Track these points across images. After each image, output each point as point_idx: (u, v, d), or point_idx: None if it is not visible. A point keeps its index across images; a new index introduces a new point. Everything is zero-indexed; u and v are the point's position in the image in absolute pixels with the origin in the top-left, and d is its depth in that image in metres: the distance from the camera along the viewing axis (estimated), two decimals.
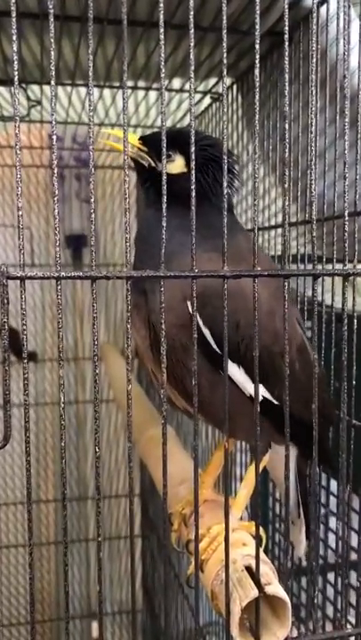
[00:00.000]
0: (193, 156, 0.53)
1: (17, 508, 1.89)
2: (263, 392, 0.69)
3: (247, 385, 0.69)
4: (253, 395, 0.68)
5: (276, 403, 0.70)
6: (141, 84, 1.27)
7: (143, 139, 0.77)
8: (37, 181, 1.85)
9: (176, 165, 0.75)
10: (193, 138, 0.53)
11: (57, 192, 0.51)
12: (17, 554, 1.90)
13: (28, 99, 1.34)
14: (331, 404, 0.82)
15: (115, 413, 1.92)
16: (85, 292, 1.89)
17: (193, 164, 0.53)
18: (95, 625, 1.97)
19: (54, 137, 0.49)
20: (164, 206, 0.52)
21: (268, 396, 0.70)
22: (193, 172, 0.52)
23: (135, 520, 1.97)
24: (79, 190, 1.90)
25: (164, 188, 0.52)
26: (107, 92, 1.33)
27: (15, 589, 1.92)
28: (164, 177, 0.53)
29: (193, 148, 0.53)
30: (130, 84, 1.26)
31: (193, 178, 0.52)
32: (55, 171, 0.50)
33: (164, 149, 0.52)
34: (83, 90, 1.31)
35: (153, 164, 0.76)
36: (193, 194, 0.52)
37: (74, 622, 1.96)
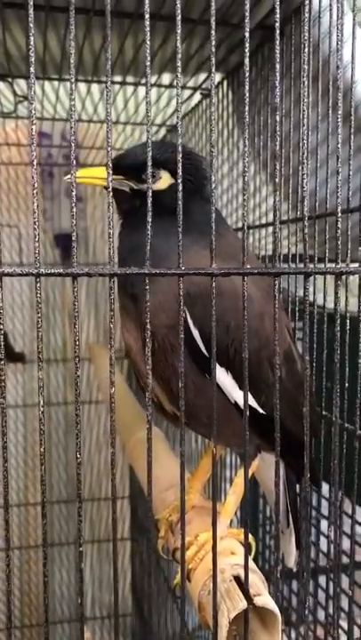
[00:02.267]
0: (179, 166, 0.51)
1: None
2: (250, 400, 0.67)
3: (233, 391, 0.67)
4: (238, 401, 0.66)
5: (262, 412, 0.68)
6: (130, 79, 1.25)
7: (114, 166, 0.72)
8: (26, 179, 1.81)
9: (163, 181, 0.71)
10: (180, 138, 0.51)
11: (36, 185, 0.49)
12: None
13: (15, 94, 1.31)
14: (317, 413, 0.80)
15: (104, 415, 1.89)
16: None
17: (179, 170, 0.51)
18: (85, 628, 1.94)
19: (34, 124, 0.47)
20: (149, 201, 0.50)
21: (254, 404, 0.68)
22: (179, 172, 0.50)
23: (125, 523, 1.95)
24: (69, 188, 1.87)
25: (150, 193, 0.50)
26: (95, 87, 1.30)
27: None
28: (149, 192, 0.50)
29: (179, 157, 0.51)
30: (118, 78, 1.24)
31: (180, 182, 0.50)
32: (35, 162, 0.48)
33: (149, 166, 0.51)
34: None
35: (135, 187, 0.71)
36: (180, 187, 0.50)
37: (63, 626, 1.93)
